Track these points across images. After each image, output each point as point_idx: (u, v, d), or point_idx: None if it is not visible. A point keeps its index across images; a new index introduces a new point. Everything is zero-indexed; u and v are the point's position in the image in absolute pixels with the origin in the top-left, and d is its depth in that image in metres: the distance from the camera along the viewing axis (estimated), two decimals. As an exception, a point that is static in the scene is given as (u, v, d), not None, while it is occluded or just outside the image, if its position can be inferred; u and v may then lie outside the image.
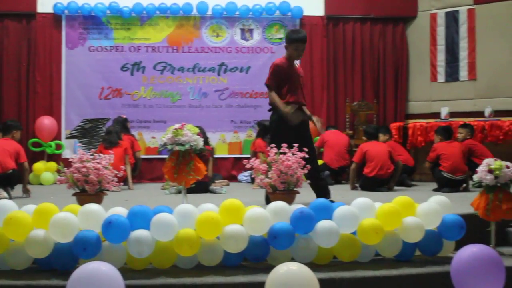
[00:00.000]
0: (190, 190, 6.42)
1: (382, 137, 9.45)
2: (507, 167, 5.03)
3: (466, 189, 8.54)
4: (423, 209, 4.95)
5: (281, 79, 6.61)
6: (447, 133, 9.02)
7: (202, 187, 8.05)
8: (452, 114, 10.67)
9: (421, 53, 11.44)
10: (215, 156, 10.52)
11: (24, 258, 4.46)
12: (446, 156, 8.58)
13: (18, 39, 10.92)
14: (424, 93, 11.37)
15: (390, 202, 4.99)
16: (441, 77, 11.15)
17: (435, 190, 8.56)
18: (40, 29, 10.91)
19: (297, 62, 6.91)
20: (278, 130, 6.59)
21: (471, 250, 3.97)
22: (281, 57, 6.77)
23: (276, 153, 5.92)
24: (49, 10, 10.87)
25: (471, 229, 5.05)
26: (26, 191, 7.79)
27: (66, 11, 10.88)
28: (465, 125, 9.35)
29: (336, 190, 8.10)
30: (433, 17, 11.25)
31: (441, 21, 11.19)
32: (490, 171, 4.99)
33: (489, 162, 5.07)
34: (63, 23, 10.99)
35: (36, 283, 4.16)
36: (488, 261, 3.90)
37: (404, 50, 11.65)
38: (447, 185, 8.47)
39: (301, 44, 6.62)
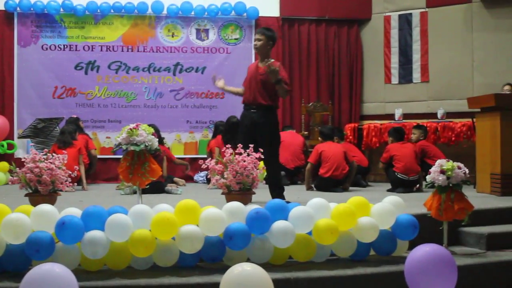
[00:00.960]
0: (145, 191, 6.38)
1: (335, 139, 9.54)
2: (459, 167, 5.11)
3: (419, 190, 8.66)
4: (377, 210, 5.00)
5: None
6: (399, 134, 9.11)
7: (157, 187, 8.00)
8: (406, 116, 10.83)
9: (375, 55, 11.58)
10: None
11: (-25, 260, 4.37)
12: (399, 157, 8.67)
13: (-32, 37, 10.72)
14: (378, 95, 11.51)
15: (345, 202, 5.03)
16: (394, 79, 11.31)
17: (389, 190, 8.64)
18: (-9, 26, 10.72)
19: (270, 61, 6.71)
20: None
21: (424, 249, 4.03)
22: None
23: (231, 153, 5.94)
24: (0, 7, 10.69)
25: (424, 229, 5.12)
26: None
27: (18, 9, 10.71)
28: (418, 126, 9.49)
29: (291, 191, 8.14)
30: (387, 20, 11.40)
31: (394, 23, 11.34)
32: (443, 171, 5.07)
33: (441, 163, 5.15)
34: (15, 20, 10.81)
35: (-13, 285, 4.10)
36: (441, 261, 3.96)
37: (359, 52, 11.76)
38: (401, 186, 8.57)
39: (256, 35, 6.88)
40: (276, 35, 6.96)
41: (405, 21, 11.22)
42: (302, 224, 4.75)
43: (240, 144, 6.13)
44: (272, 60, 6.65)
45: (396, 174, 8.63)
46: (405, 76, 11.18)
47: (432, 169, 5.17)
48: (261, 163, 6.36)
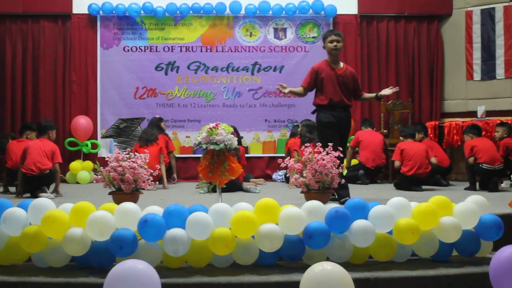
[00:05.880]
0: (223, 189, 6.42)
1: (417, 135, 9.38)
2: (546, 166, 4.95)
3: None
4: (460, 209, 4.88)
5: (316, 80, 6.72)
6: (477, 130, 8.99)
7: (235, 186, 8.05)
8: (489, 113, 10.54)
9: (456, 51, 11.33)
10: (250, 155, 10.60)
11: (62, 256, 4.51)
12: (480, 148, 8.52)
13: (54, 40, 11.08)
14: (460, 92, 11.25)
15: (426, 201, 4.94)
16: (477, 75, 11.02)
17: (468, 187, 8.52)
18: (75, 29, 11.06)
19: (341, 64, 6.87)
20: (322, 129, 6.70)
21: (510, 250, 3.91)
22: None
23: (310, 152, 5.93)
24: (84, 11, 11.01)
25: (509, 229, 4.98)
26: (57, 193, 7.82)
27: (100, 12, 11.00)
28: (502, 124, 9.21)
29: (371, 190, 8.07)
30: (469, 15, 11.13)
31: (476, 18, 11.06)
32: (529, 170, 4.92)
33: (527, 161, 4.99)
34: (98, 23, 11.12)
35: (74, 280, 4.21)
36: (528, 262, 3.83)
37: (439, 48, 11.55)
38: (485, 177, 8.43)
39: (334, 36, 6.74)
40: None
41: (488, 16, 10.92)
42: (382, 223, 4.69)
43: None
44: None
45: (480, 165, 8.42)
46: (488, 72, 10.88)
47: (518, 168, 5.02)
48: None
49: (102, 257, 4.46)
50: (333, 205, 4.77)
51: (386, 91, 6.88)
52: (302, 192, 6.04)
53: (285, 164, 6.12)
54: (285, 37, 11.35)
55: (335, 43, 6.69)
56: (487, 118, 10.38)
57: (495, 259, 3.94)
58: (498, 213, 5.05)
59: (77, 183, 10.20)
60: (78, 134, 10.57)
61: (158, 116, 10.23)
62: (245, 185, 8.54)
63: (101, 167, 5.96)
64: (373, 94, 7.11)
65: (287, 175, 8.96)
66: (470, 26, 11.13)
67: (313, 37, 11.36)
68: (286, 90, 6.63)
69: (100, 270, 4.34)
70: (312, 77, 6.75)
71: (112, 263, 4.41)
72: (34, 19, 11.04)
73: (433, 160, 8.71)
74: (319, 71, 6.73)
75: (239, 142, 8.86)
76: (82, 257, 4.49)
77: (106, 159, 5.96)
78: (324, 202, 5.22)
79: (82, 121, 10.64)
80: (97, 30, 11.13)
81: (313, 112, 6.85)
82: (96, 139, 10.89)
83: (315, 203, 4.80)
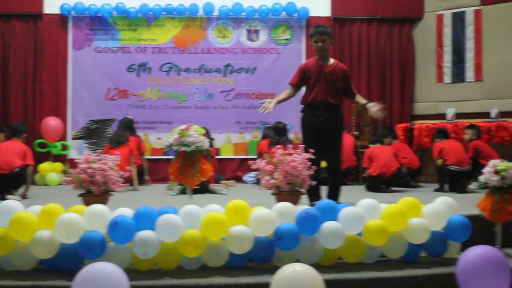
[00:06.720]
0: (193, 191, 6.39)
1: (385, 140, 9.51)
2: (514, 168, 5.01)
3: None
4: (429, 210, 4.93)
5: (304, 78, 6.54)
6: (443, 133, 9.20)
7: (202, 187, 7.98)
8: (458, 115, 10.65)
9: (427, 54, 11.42)
10: (221, 157, 10.57)
11: (29, 258, 4.47)
12: (448, 150, 8.72)
13: (24, 40, 10.95)
14: (430, 94, 11.34)
15: (396, 203, 4.98)
16: (447, 78, 11.13)
17: (437, 189, 8.59)
18: (46, 30, 10.93)
19: (331, 60, 6.59)
20: (303, 130, 6.60)
21: (477, 251, 3.95)
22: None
23: (282, 154, 5.94)
24: (56, 11, 10.90)
25: (477, 230, 5.04)
26: (24, 197, 7.72)
27: (72, 12, 10.90)
28: (471, 126, 9.33)
29: (342, 191, 8.08)
30: (440, 18, 11.23)
31: (447, 21, 11.17)
32: (496, 172, 4.98)
33: (495, 163, 5.06)
34: (70, 24, 11.01)
35: (41, 283, 4.17)
36: (494, 262, 3.88)
37: (411, 51, 11.63)
38: (454, 179, 8.59)
39: (317, 35, 6.46)
40: None
41: (458, 19, 11.03)
42: (352, 225, 4.72)
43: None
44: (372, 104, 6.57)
45: (449, 167, 8.54)
46: (458, 75, 10.99)
47: (486, 170, 5.08)
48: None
49: (70, 259, 4.43)
50: (303, 207, 4.79)
51: (373, 109, 6.52)
52: (273, 193, 6.05)
53: (256, 166, 6.12)
54: (258, 39, 11.36)
55: (320, 44, 6.44)
56: (456, 120, 10.49)
57: (462, 260, 3.98)
58: (467, 214, 5.12)
59: (46, 185, 10.09)
60: (48, 135, 10.47)
61: (129, 118, 10.17)
62: (212, 186, 8.50)
63: (71, 169, 5.92)
64: (365, 101, 6.71)
65: (259, 177, 8.96)
66: (441, 29, 11.23)
67: (286, 39, 11.38)
68: (272, 105, 6.35)
69: (68, 273, 4.29)
70: (300, 74, 6.56)
71: (81, 265, 4.37)
72: (4, 18, 10.91)
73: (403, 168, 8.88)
74: (306, 68, 6.54)
75: (211, 144, 8.84)
76: (50, 260, 4.46)
77: (76, 160, 5.92)
78: (295, 203, 5.24)
79: (52, 122, 10.53)
80: (68, 31, 11.01)
81: (302, 111, 6.67)
82: (66, 141, 10.79)
83: (285, 205, 4.82)
